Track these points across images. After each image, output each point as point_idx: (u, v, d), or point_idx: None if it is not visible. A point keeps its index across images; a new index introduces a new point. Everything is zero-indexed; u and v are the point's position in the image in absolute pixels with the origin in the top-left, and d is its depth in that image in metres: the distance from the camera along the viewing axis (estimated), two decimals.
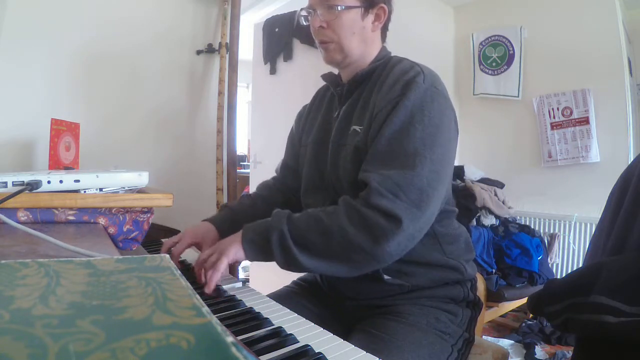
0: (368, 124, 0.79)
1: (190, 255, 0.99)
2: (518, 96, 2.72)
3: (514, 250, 2.15)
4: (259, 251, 0.73)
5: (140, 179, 0.85)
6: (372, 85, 0.84)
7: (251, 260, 0.75)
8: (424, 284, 0.82)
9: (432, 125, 0.73)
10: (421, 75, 0.77)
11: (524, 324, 2.22)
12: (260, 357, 0.49)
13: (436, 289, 0.83)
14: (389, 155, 0.73)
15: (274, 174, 1.14)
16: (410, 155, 0.71)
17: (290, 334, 0.56)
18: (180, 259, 0.93)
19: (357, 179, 0.79)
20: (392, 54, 0.91)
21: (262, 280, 2.24)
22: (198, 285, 0.76)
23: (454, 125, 0.80)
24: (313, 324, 0.61)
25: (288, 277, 1.06)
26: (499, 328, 2.33)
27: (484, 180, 2.43)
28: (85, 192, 0.76)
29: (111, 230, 0.75)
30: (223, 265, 0.72)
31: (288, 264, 0.72)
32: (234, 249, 0.74)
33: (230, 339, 0.22)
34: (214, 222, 0.95)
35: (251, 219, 0.89)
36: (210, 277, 0.71)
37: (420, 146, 0.71)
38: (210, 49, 1.99)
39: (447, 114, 0.77)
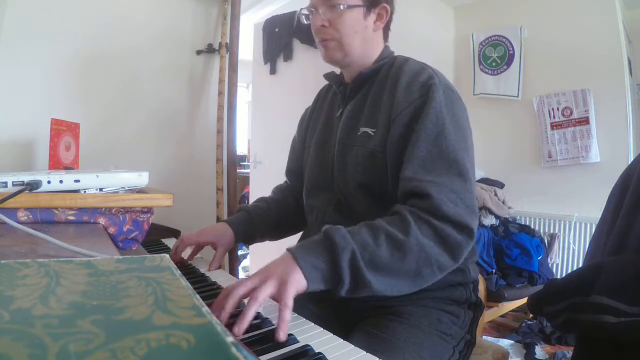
0: (384, 127, 0.78)
1: (207, 255, 0.99)
2: (518, 96, 2.72)
3: (514, 250, 2.15)
4: (324, 278, 0.61)
5: (140, 179, 0.85)
6: (379, 84, 0.84)
7: (312, 290, 0.61)
8: (428, 286, 0.81)
9: (460, 127, 0.75)
10: (436, 77, 0.78)
11: (524, 324, 2.22)
12: (260, 357, 0.49)
13: (439, 291, 0.82)
14: (430, 161, 0.72)
15: (274, 175, 1.14)
16: (453, 160, 0.71)
17: (291, 334, 0.55)
18: (186, 259, 0.93)
19: (367, 181, 0.79)
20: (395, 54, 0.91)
21: None
22: (198, 285, 0.76)
23: (469, 124, 0.81)
24: (313, 324, 0.61)
25: None
26: (499, 328, 2.33)
27: (483, 180, 2.43)
28: (85, 192, 0.76)
29: (111, 230, 0.75)
30: (290, 302, 0.56)
31: (355, 289, 0.62)
32: (295, 279, 0.58)
33: (230, 339, 0.22)
34: (231, 223, 0.96)
35: (266, 221, 0.88)
36: (280, 319, 0.54)
37: (458, 150, 0.72)
38: (210, 49, 1.99)
39: (465, 114, 0.79)
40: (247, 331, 0.56)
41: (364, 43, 0.85)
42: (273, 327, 0.58)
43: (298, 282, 0.58)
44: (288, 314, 0.54)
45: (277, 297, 0.57)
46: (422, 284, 0.68)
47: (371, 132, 0.81)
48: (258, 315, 0.63)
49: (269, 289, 0.57)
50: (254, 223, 0.97)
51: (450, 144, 0.72)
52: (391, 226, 0.65)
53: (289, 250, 0.63)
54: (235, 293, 0.56)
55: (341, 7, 0.81)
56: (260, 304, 0.55)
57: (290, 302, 0.56)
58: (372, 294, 0.63)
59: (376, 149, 0.79)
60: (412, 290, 0.68)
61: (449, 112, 0.74)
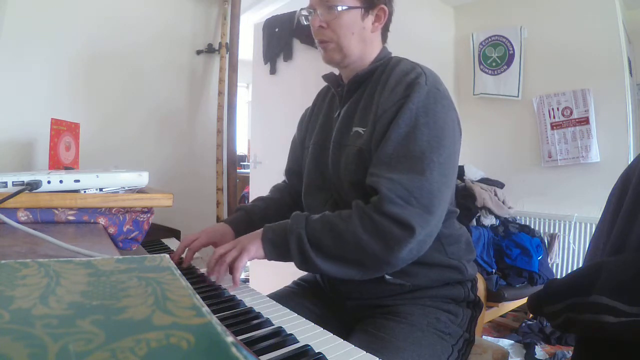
0: (372, 126, 0.79)
1: (206, 254, 0.99)
2: (518, 96, 2.72)
3: (514, 250, 2.15)
4: (278, 251, 0.76)
5: (140, 179, 0.85)
6: (373, 85, 0.84)
7: (270, 259, 0.77)
8: (424, 283, 0.82)
9: (438, 127, 0.74)
10: (423, 77, 0.77)
11: (524, 324, 2.22)
12: (260, 357, 0.49)
13: (437, 289, 0.83)
14: (396, 159, 0.73)
15: (274, 175, 1.14)
16: (418, 159, 0.71)
17: (290, 334, 0.56)
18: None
19: (359, 180, 0.79)
20: (392, 54, 0.91)
21: (262, 280, 2.24)
22: (198, 286, 0.76)
23: (457, 127, 0.80)
24: (313, 324, 0.61)
25: (288, 277, 1.06)
26: (499, 328, 2.33)
27: (484, 180, 2.43)
28: (85, 192, 0.76)
29: (111, 230, 0.75)
30: (243, 263, 0.74)
31: (305, 265, 0.74)
32: (254, 247, 0.76)
33: (230, 339, 0.22)
34: (231, 223, 0.97)
35: (265, 220, 0.90)
36: (234, 275, 0.75)
37: (427, 149, 0.72)
38: (210, 49, 1.99)
39: (451, 115, 0.78)
40: (247, 331, 0.56)
41: (362, 44, 0.85)
42: (273, 326, 0.59)
43: (255, 252, 0.75)
44: (239, 273, 0.74)
45: (236, 260, 0.74)
46: (372, 272, 0.74)
47: (361, 132, 0.81)
48: (258, 315, 0.63)
49: (233, 254, 0.75)
50: (253, 222, 0.98)
51: (419, 143, 0.72)
52: (337, 219, 0.73)
53: (264, 227, 0.78)
54: (218, 256, 0.77)
55: (339, 8, 0.81)
56: (229, 264, 0.75)
57: (240, 264, 0.74)
58: (325, 273, 0.75)
59: (363, 147, 0.80)
60: (365, 277, 0.75)
61: (427, 111, 0.74)
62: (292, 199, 1.07)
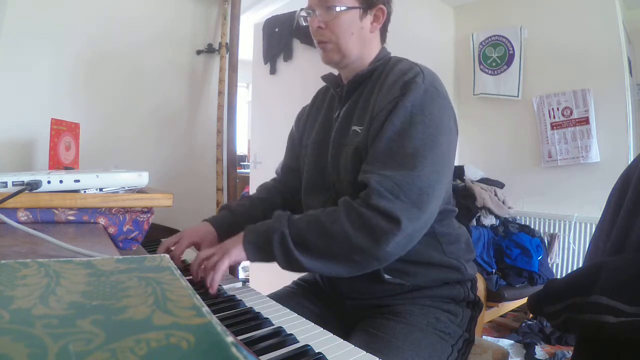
0: (368, 124, 0.79)
1: (190, 256, 0.99)
2: (518, 96, 2.72)
3: (514, 250, 2.15)
4: (260, 252, 0.74)
5: (140, 179, 0.85)
6: (372, 85, 0.85)
7: (252, 261, 0.75)
8: (424, 283, 0.82)
9: (433, 125, 0.74)
10: (421, 75, 0.77)
11: (524, 324, 2.22)
12: (260, 357, 0.49)
13: (436, 289, 0.83)
14: (389, 155, 0.73)
15: (274, 175, 1.14)
16: (410, 156, 0.71)
17: (290, 334, 0.56)
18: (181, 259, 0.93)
19: (357, 179, 0.79)
20: (392, 54, 0.91)
21: (262, 280, 2.24)
22: (198, 286, 0.76)
23: (453, 126, 0.80)
24: (313, 324, 0.61)
25: (288, 277, 1.06)
26: (499, 328, 2.33)
27: (484, 180, 2.43)
28: (85, 192, 0.76)
29: (111, 230, 0.75)
30: (224, 266, 0.72)
31: (289, 264, 0.73)
32: (236, 250, 0.74)
33: (230, 339, 0.22)
34: (213, 222, 0.95)
35: (250, 220, 0.89)
36: (212, 278, 0.72)
37: (420, 146, 0.72)
38: (210, 49, 1.99)
39: (447, 114, 0.78)
40: (247, 331, 0.56)
41: (361, 44, 0.85)
42: (273, 327, 0.59)
43: (237, 255, 0.74)
44: (218, 276, 0.72)
45: (217, 263, 0.72)
46: (360, 268, 0.72)
47: (359, 130, 0.82)
48: (258, 315, 0.63)
49: (215, 259, 0.73)
50: (237, 222, 0.95)
51: (413, 141, 0.72)
52: (323, 215, 0.73)
53: (245, 228, 0.77)
54: (201, 260, 0.76)
55: (337, 9, 0.82)
56: (211, 269, 0.73)
57: (221, 267, 0.72)
58: (311, 271, 0.75)
59: (360, 145, 0.80)
60: (353, 274, 0.73)
61: (423, 109, 0.74)
62: (282, 199, 1.05)
